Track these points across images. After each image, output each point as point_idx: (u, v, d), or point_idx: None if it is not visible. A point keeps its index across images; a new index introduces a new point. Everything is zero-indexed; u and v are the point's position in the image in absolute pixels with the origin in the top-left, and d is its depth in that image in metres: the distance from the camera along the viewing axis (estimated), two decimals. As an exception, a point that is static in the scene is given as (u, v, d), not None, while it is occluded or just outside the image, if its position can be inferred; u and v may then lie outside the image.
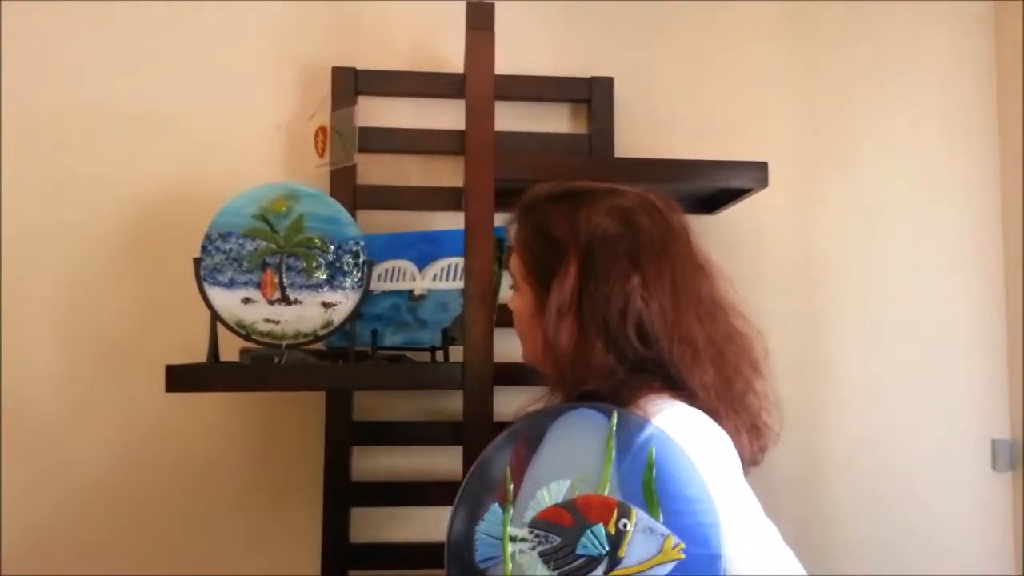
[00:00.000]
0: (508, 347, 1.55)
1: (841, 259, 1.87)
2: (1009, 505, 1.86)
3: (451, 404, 1.72)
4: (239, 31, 1.77)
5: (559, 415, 0.91)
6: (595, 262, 1.00)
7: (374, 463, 1.73)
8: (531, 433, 0.91)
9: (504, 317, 1.31)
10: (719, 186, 1.55)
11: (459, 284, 1.48)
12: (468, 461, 1.27)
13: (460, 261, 1.48)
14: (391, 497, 1.70)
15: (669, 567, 0.80)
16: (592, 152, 1.77)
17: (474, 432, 1.27)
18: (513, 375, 1.63)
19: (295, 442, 1.71)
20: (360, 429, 1.69)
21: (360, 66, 1.73)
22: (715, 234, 1.80)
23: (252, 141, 1.75)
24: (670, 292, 0.99)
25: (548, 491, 0.86)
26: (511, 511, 0.88)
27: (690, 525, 0.82)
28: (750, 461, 1.03)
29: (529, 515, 0.86)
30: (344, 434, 1.65)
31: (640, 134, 1.82)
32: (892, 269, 1.88)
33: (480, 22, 1.30)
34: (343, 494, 1.64)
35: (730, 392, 1.01)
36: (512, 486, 0.89)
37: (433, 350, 1.54)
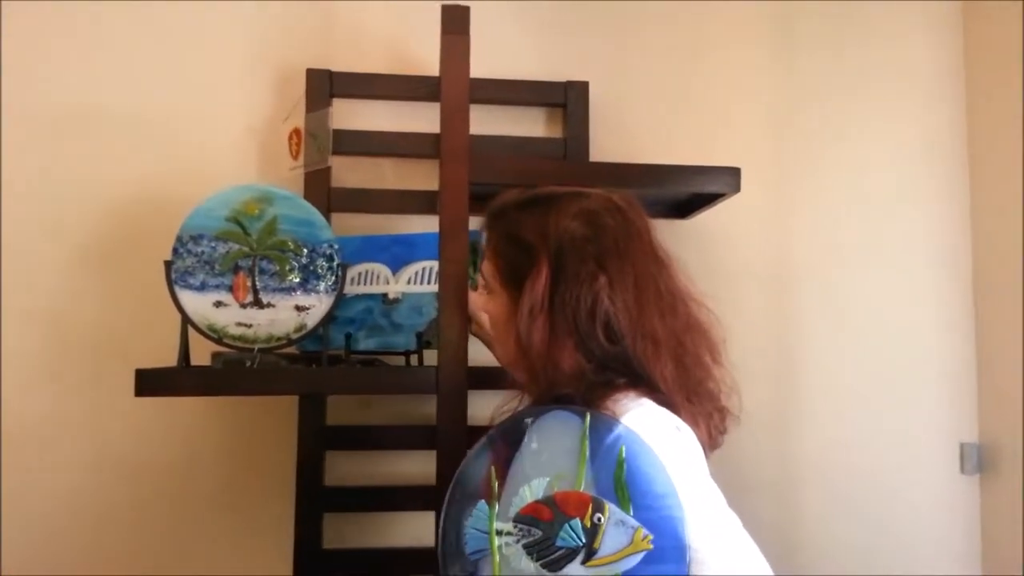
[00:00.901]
0: (483, 351, 1.54)
1: (812, 264, 1.89)
2: (976, 507, 1.89)
3: (425, 408, 1.72)
4: (212, 32, 1.75)
5: (538, 417, 0.96)
6: (564, 264, 1.05)
7: (348, 468, 1.71)
8: (512, 434, 0.96)
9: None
10: (692, 191, 1.56)
11: (433, 288, 1.48)
12: (442, 466, 1.26)
13: (435, 264, 1.48)
14: (365, 502, 1.69)
15: (639, 557, 0.87)
16: (567, 156, 1.77)
17: (448, 436, 1.26)
18: (487, 379, 1.63)
19: (268, 447, 1.69)
20: (333, 434, 1.68)
21: (335, 68, 1.72)
22: (688, 239, 1.81)
23: (225, 143, 1.74)
24: (633, 289, 1.04)
25: (530, 488, 0.92)
26: (496, 507, 0.93)
27: (658, 519, 0.88)
28: (711, 446, 1.08)
29: (513, 510, 0.92)
30: (317, 439, 1.64)
31: (615, 138, 1.82)
32: (862, 274, 1.90)
33: (455, 25, 1.30)
34: (316, 500, 1.63)
35: (689, 381, 1.06)
36: (497, 483, 0.94)
37: (407, 354, 1.53)
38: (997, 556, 1.84)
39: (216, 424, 1.70)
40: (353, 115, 1.75)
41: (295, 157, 1.68)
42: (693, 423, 1.03)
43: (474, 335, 1.53)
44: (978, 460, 1.87)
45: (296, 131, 1.69)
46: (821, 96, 1.92)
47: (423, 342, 1.48)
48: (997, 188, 1.86)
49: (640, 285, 1.05)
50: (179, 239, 1.35)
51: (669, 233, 1.79)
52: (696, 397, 1.06)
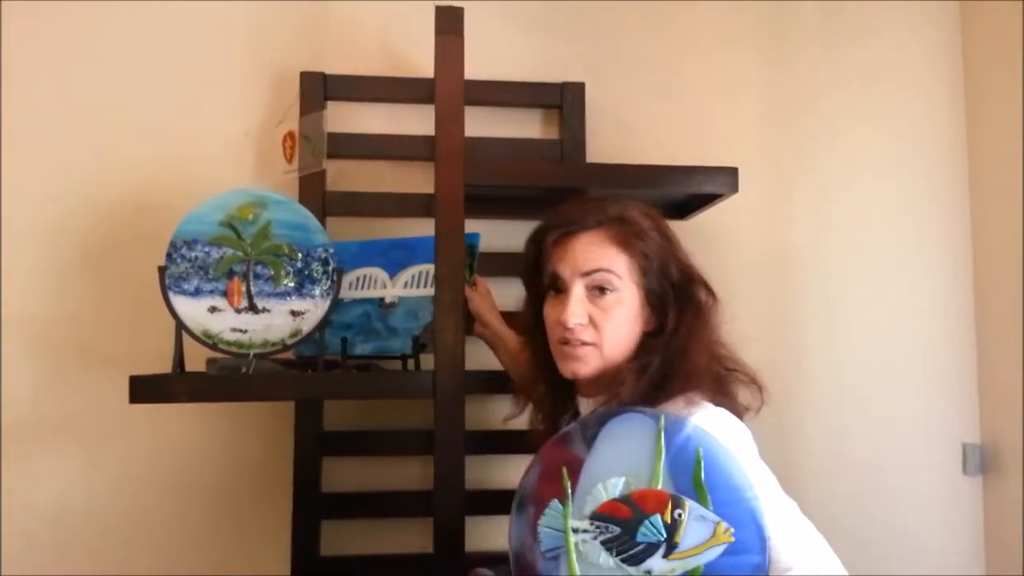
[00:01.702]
0: (480, 355, 1.54)
1: (811, 264, 1.88)
2: (980, 508, 1.87)
3: (423, 413, 1.70)
4: (205, 35, 1.74)
5: (609, 419, 1.00)
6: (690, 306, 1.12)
7: (345, 474, 1.70)
8: (585, 435, 1.00)
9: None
10: (690, 191, 1.55)
11: (430, 291, 1.47)
12: (440, 470, 1.25)
13: (431, 268, 1.46)
14: (363, 509, 1.68)
15: (721, 549, 0.91)
16: (564, 157, 1.76)
17: (445, 441, 1.25)
18: (485, 384, 1.63)
19: (264, 454, 1.68)
20: (330, 439, 1.66)
21: (329, 71, 1.71)
22: (686, 240, 1.78)
23: (219, 147, 1.73)
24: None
25: (605, 487, 0.96)
26: (570, 506, 0.97)
27: (737, 512, 0.92)
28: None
29: (588, 508, 0.96)
30: (314, 445, 1.63)
31: (612, 139, 1.81)
32: (862, 273, 1.88)
33: (449, 26, 1.29)
34: (313, 506, 1.62)
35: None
36: (569, 483, 0.98)
37: (404, 358, 1.52)
38: (1000, 557, 1.83)
39: (212, 430, 1.68)
40: (348, 118, 1.74)
41: (289, 161, 1.67)
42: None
43: (477, 335, 1.52)
44: (980, 461, 1.86)
45: (290, 134, 1.68)
46: (818, 95, 1.91)
47: (420, 346, 1.46)
48: (997, 186, 1.85)
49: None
50: (173, 244, 1.34)
51: (667, 234, 1.81)
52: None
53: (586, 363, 1.11)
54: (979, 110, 1.91)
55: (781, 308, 1.86)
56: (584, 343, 1.10)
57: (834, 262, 1.88)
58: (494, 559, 1.54)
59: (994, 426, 1.85)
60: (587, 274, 1.11)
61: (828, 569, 0.96)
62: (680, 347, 1.08)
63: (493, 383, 1.63)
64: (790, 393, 1.84)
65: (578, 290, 1.11)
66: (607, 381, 1.09)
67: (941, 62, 1.95)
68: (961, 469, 1.87)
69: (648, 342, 1.11)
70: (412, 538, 1.69)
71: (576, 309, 1.10)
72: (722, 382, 1.10)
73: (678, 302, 1.11)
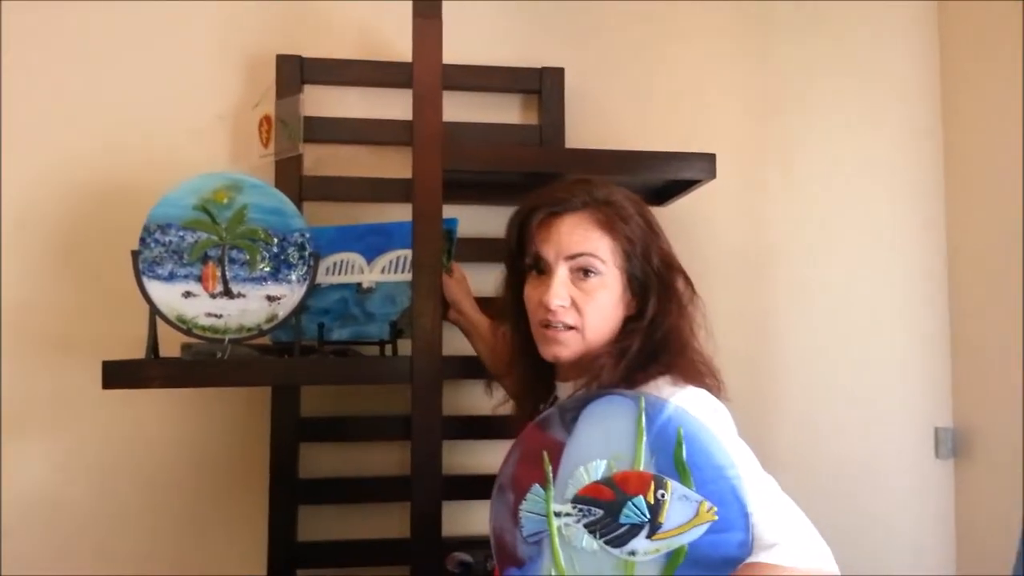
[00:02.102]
0: (457, 341, 1.53)
1: (787, 251, 1.89)
2: (951, 491, 1.90)
3: (401, 399, 1.70)
4: (180, 17, 1.72)
5: (589, 402, 1.00)
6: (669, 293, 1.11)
7: (322, 460, 1.70)
8: (564, 419, 1.00)
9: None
10: (668, 177, 1.55)
11: (407, 277, 1.46)
12: (417, 456, 1.25)
13: (408, 253, 1.46)
14: (340, 494, 1.68)
15: (705, 527, 0.92)
16: (543, 143, 1.76)
17: (423, 426, 1.25)
18: (462, 368, 1.63)
19: (241, 440, 1.67)
20: (308, 425, 1.66)
21: (306, 54, 1.69)
22: (664, 226, 1.79)
23: (194, 131, 1.71)
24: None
25: (587, 470, 0.96)
26: (552, 490, 0.98)
27: (720, 490, 0.93)
28: None
29: (570, 492, 0.96)
30: (291, 431, 1.62)
31: (591, 125, 1.81)
32: (837, 260, 1.90)
33: (427, 10, 1.28)
34: (290, 492, 1.61)
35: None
36: (550, 468, 0.98)
37: (382, 344, 1.51)
38: (971, 539, 1.85)
39: (188, 417, 1.67)
40: (325, 102, 1.73)
41: (265, 145, 1.66)
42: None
43: (451, 322, 1.52)
44: (952, 444, 1.89)
45: (266, 118, 1.66)
46: (796, 84, 1.92)
47: (397, 331, 1.46)
48: (971, 178, 1.87)
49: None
50: (146, 228, 1.32)
51: (645, 220, 1.81)
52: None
53: (567, 346, 1.09)
54: (956, 102, 1.92)
55: (756, 293, 1.87)
56: (567, 326, 1.09)
57: (809, 251, 1.89)
58: (471, 543, 1.55)
59: (966, 410, 1.87)
60: (571, 257, 1.09)
61: (811, 544, 0.97)
62: (659, 333, 1.08)
63: (471, 368, 1.62)
64: (764, 377, 1.86)
65: (562, 272, 1.09)
66: (587, 365, 1.08)
67: (918, 57, 1.96)
68: (933, 453, 1.89)
69: (628, 326, 1.11)
70: (389, 523, 1.69)
71: (559, 291, 1.08)
72: (697, 368, 1.10)
73: (659, 288, 1.10)
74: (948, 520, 1.90)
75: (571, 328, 1.09)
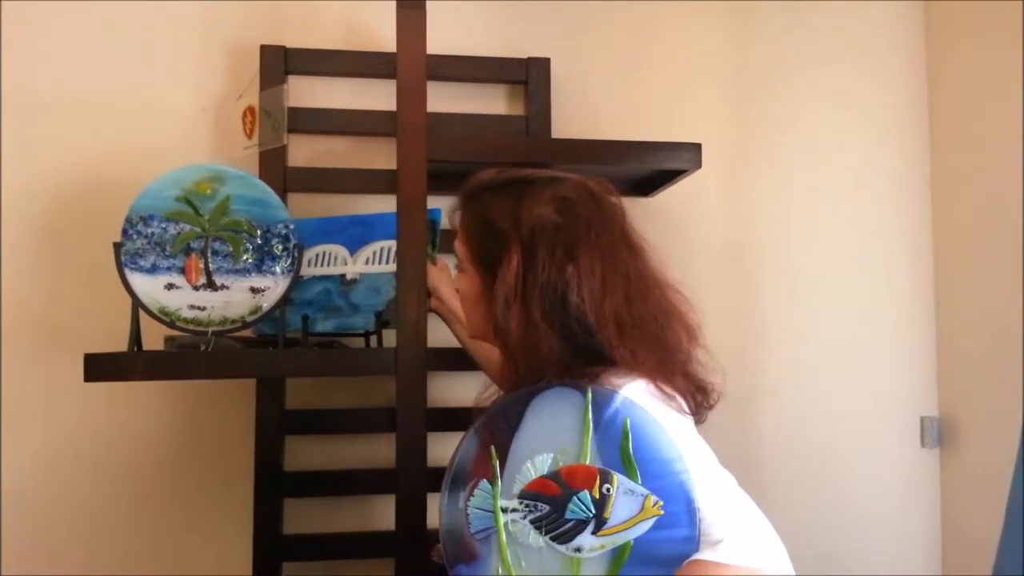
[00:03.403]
0: (442, 332, 1.53)
1: (772, 240, 1.89)
2: (937, 480, 1.91)
3: (386, 390, 1.70)
4: (163, 7, 1.70)
5: (536, 395, 0.97)
6: (535, 252, 1.03)
7: (308, 453, 1.69)
8: (510, 412, 0.98)
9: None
10: (654, 167, 1.55)
11: (392, 268, 1.45)
12: (402, 448, 1.25)
13: (393, 245, 1.45)
14: (325, 487, 1.67)
15: (650, 523, 0.90)
16: (529, 133, 1.75)
17: (408, 418, 1.25)
18: (448, 360, 1.63)
19: (225, 433, 1.66)
20: (293, 418, 1.65)
21: (290, 44, 1.68)
22: (651, 217, 1.79)
23: (177, 122, 1.69)
24: (600, 277, 1.02)
25: (533, 464, 0.94)
26: (499, 485, 0.95)
27: (667, 484, 0.91)
28: (697, 421, 1.09)
29: (517, 487, 0.94)
30: (276, 423, 1.61)
31: (577, 115, 1.80)
32: (823, 250, 1.90)
33: (411, -1, 1.27)
34: (276, 485, 1.60)
35: (668, 363, 1.04)
36: (498, 462, 0.96)
37: (367, 335, 1.51)
38: (957, 528, 1.87)
39: (172, 410, 1.66)
40: (309, 92, 1.71)
41: (249, 136, 1.64)
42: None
43: (433, 310, 1.52)
44: (938, 434, 1.90)
45: (250, 109, 1.65)
46: (782, 74, 1.92)
47: (382, 323, 1.45)
48: (957, 166, 1.87)
49: (608, 272, 1.04)
50: (128, 220, 1.32)
51: (631, 211, 1.79)
52: (677, 378, 1.06)
53: (465, 329, 1.19)
54: (941, 90, 1.92)
55: (742, 283, 1.87)
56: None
57: (794, 240, 1.89)
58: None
59: (952, 399, 1.88)
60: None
61: (759, 542, 0.95)
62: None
63: (456, 360, 1.62)
64: (750, 367, 1.86)
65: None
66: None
67: (904, 44, 1.96)
68: (919, 442, 1.90)
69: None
70: (375, 516, 1.68)
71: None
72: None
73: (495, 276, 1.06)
74: (933, 509, 1.91)
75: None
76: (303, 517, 1.66)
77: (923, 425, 1.90)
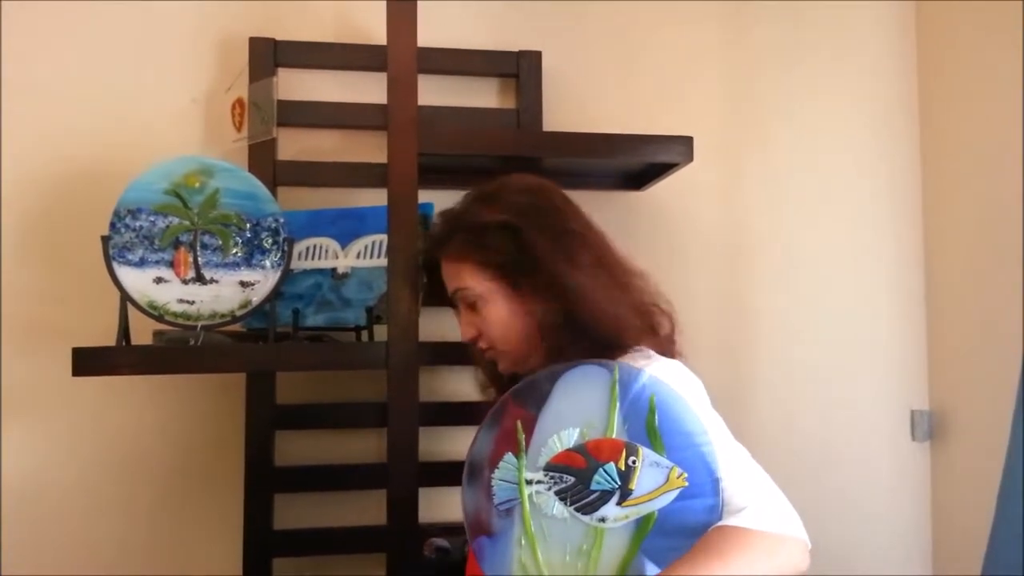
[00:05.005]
0: (434, 326, 1.53)
1: (764, 234, 1.89)
2: (927, 473, 1.91)
3: (377, 385, 1.69)
4: (150, -1, 1.69)
5: (563, 372, 1.00)
6: (542, 224, 1.10)
7: (298, 448, 1.68)
8: (538, 389, 1.01)
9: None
10: (646, 160, 1.55)
11: (383, 262, 1.45)
12: (394, 443, 1.24)
13: (384, 238, 1.44)
14: (316, 482, 1.66)
15: (675, 494, 0.93)
16: (520, 127, 1.74)
17: (399, 413, 1.25)
18: (439, 355, 1.62)
19: (215, 428, 1.65)
20: (283, 413, 1.64)
21: (279, 36, 1.66)
22: (643, 211, 1.80)
23: (165, 115, 1.67)
24: (597, 250, 1.12)
25: (559, 438, 0.97)
26: (524, 458, 0.98)
27: (691, 456, 0.94)
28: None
29: (543, 460, 0.97)
30: (266, 418, 1.60)
31: (569, 109, 1.79)
32: (814, 243, 1.90)
33: (402, -10, 1.26)
34: (266, 480, 1.60)
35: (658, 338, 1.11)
36: (523, 436, 0.99)
37: (358, 330, 1.50)
38: (947, 522, 1.87)
39: (162, 405, 1.65)
40: (299, 85, 1.70)
41: (239, 129, 1.63)
42: None
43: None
44: (929, 427, 1.90)
45: (239, 102, 1.64)
46: (773, 68, 1.91)
47: (373, 317, 1.45)
48: (948, 159, 1.87)
49: (599, 233, 1.15)
50: (116, 213, 1.31)
51: (623, 205, 1.81)
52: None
53: (503, 363, 1.16)
54: (932, 83, 1.92)
55: (733, 277, 1.87)
56: (487, 350, 1.15)
57: (786, 234, 1.89)
58: (449, 530, 1.54)
59: (942, 393, 1.89)
60: (454, 295, 1.16)
61: (780, 509, 0.98)
62: (568, 308, 1.07)
63: (448, 354, 1.61)
64: (741, 360, 1.86)
65: (462, 308, 1.16)
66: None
67: (895, 36, 1.96)
68: (910, 435, 1.91)
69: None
70: (366, 511, 1.67)
71: (463, 329, 1.16)
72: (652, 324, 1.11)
73: (534, 269, 1.09)
74: (924, 502, 1.91)
75: (490, 349, 1.15)
76: (294, 512, 1.66)
77: (914, 419, 1.90)
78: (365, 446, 1.70)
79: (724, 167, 1.88)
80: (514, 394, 1.03)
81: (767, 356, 1.87)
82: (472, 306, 1.14)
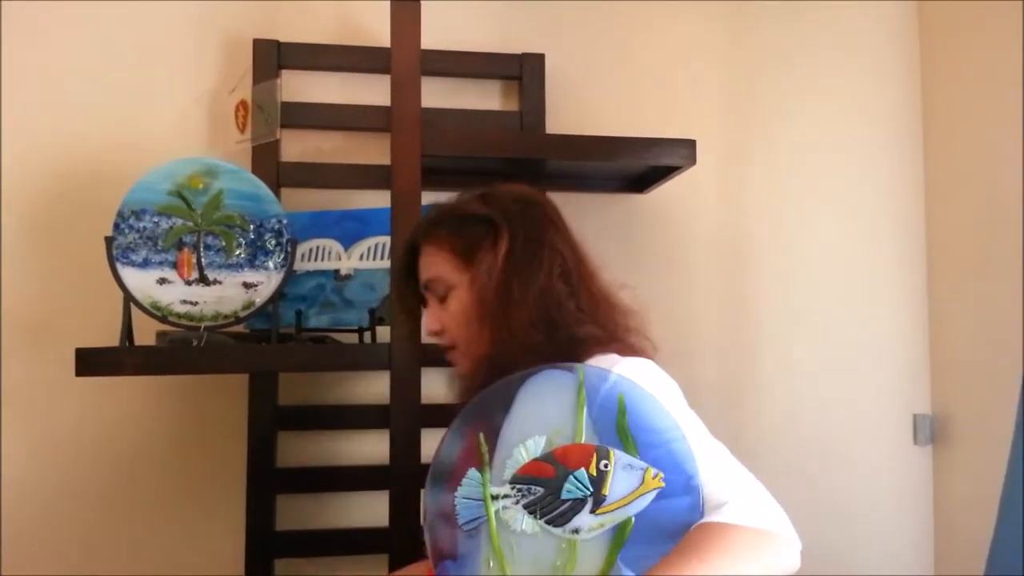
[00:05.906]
0: (437, 327, 1.52)
1: (767, 237, 1.89)
2: (929, 477, 1.91)
3: (380, 387, 1.69)
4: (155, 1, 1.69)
5: (525, 379, 0.94)
6: (524, 232, 1.06)
7: (300, 449, 1.68)
8: (499, 399, 0.95)
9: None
10: (649, 163, 1.55)
11: (386, 264, 1.45)
12: (396, 444, 1.24)
13: (387, 240, 1.45)
14: (318, 483, 1.66)
15: (651, 496, 0.87)
16: (523, 129, 1.74)
17: (402, 414, 1.25)
18: (442, 356, 1.62)
19: (218, 429, 1.65)
20: (286, 414, 1.64)
21: (283, 38, 1.67)
22: (645, 213, 1.80)
23: (169, 116, 1.68)
24: (575, 255, 1.08)
25: (525, 448, 0.91)
26: (489, 472, 0.92)
27: (665, 454, 0.89)
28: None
29: (508, 473, 0.91)
30: (269, 419, 1.60)
31: (572, 111, 1.80)
32: (816, 246, 1.90)
33: (406, -7, 1.27)
34: (268, 481, 1.60)
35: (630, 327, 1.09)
36: (486, 449, 0.92)
37: (360, 331, 1.51)
38: (949, 526, 1.87)
39: (164, 405, 1.65)
40: (303, 87, 1.71)
41: (242, 130, 1.63)
42: None
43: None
44: (931, 431, 1.90)
45: (243, 103, 1.64)
46: (776, 71, 1.91)
47: (376, 319, 1.45)
48: (951, 162, 1.87)
49: (579, 252, 1.10)
50: (120, 214, 1.31)
51: (625, 207, 1.81)
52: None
53: (459, 364, 1.11)
54: (935, 86, 1.93)
55: (736, 279, 1.87)
56: (449, 347, 1.11)
57: (788, 237, 1.89)
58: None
59: (945, 397, 1.89)
60: (427, 286, 1.11)
61: (762, 503, 0.94)
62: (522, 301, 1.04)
63: (451, 356, 1.61)
64: (743, 363, 1.85)
65: (431, 301, 1.11)
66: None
67: (898, 41, 1.96)
68: (912, 439, 1.91)
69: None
70: (368, 512, 1.68)
71: (427, 320, 1.11)
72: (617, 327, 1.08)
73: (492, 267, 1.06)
74: (926, 506, 1.91)
75: (452, 348, 1.11)
76: (296, 513, 1.66)
77: (916, 422, 1.90)
78: (367, 447, 1.70)
79: (726, 168, 1.88)
80: (474, 405, 0.98)
81: (769, 359, 1.87)
82: (442, 300, 1.10)
